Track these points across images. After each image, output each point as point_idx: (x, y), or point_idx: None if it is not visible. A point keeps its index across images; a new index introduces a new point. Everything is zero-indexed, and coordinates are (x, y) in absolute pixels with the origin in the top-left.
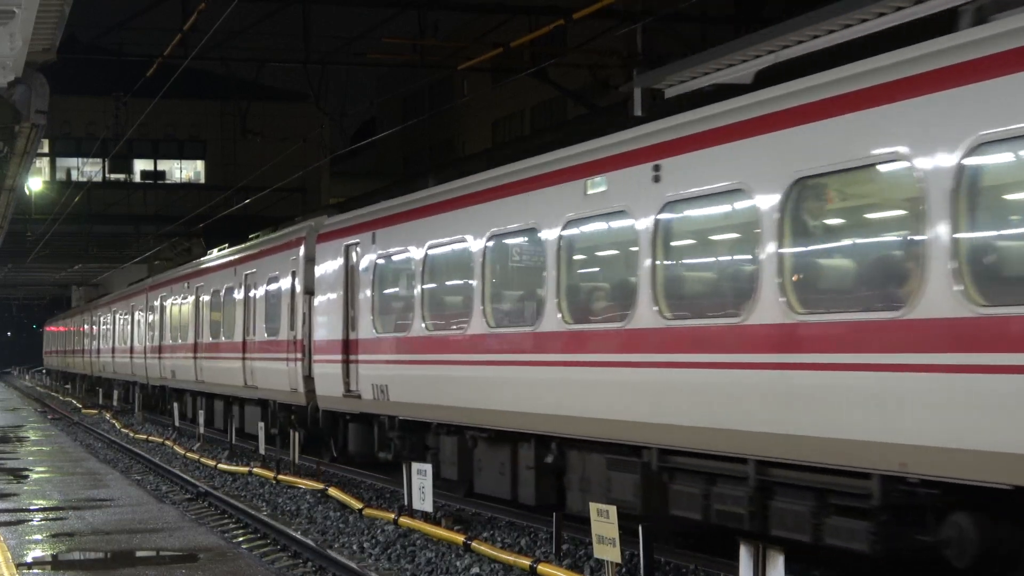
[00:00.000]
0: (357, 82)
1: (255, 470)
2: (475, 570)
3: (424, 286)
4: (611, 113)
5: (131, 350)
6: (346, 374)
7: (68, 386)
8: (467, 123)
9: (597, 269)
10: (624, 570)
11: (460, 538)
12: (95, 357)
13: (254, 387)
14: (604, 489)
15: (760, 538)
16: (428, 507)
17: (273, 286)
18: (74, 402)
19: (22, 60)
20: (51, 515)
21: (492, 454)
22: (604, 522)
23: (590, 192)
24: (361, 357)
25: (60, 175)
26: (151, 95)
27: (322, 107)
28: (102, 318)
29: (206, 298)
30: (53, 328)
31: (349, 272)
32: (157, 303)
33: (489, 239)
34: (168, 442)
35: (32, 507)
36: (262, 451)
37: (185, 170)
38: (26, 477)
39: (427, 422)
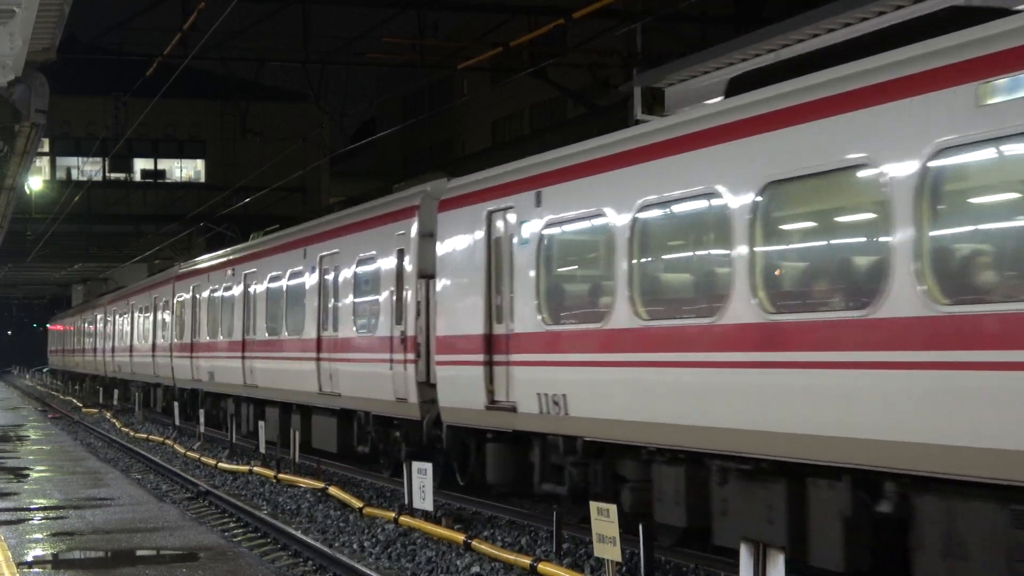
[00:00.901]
0: (357, 82)
1: (255, 469)
2: (476, 569)
3: (635, 260)
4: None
5: (153, 348)
6: (490, 379)
7: (77, 387)
8: (467, 123)
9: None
10: (624, 569)
11: (461, 537)
12: (109, 356)
13: (334, 394)
14: (1008, 559)
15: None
16: (428, 506)
17: (367, 269)
18: (74, 401)
19: (22, 59)
20: (51, 514)
21: (755, 494)
22: (604, 521)
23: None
24: (517, 357)
25: (60, 174)
26: (151, 95)
27: (322, 107)
28: (117, 313)
29: (259, 287)
30: (59, 326)
31: (492, 247)
32: (187, 295)
33: (761, 190)
34: (168, 441)
35: (32, 506)
36: (262, 450)
37: (185, 169)
38: (26, 476)
39: (627, 446)
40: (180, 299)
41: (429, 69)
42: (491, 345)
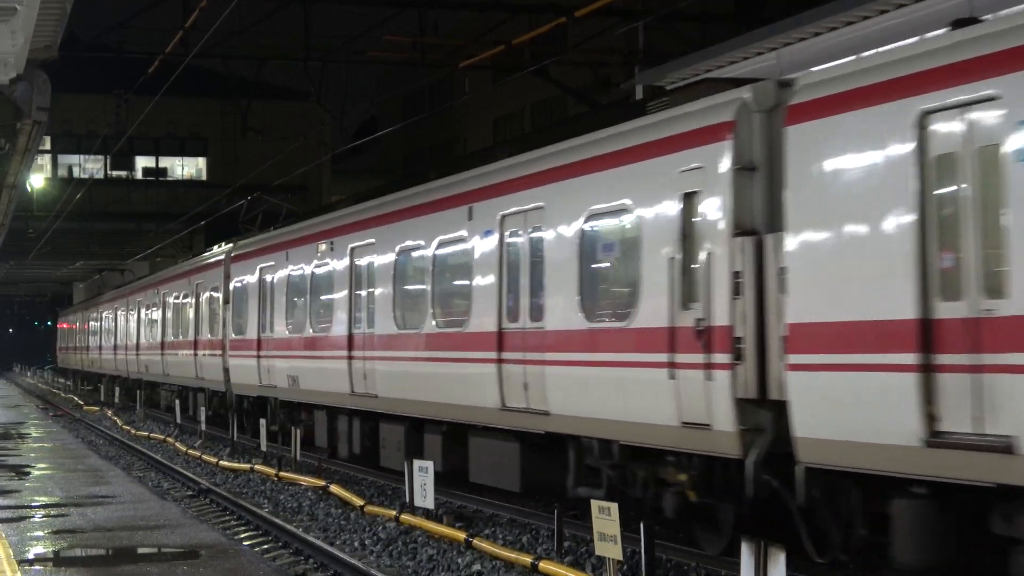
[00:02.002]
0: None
1: (256, 467)
2: (477, 567)
3: None
4: None
5: (195, 346)
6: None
7: (91, 389)
8: (468, 122)
9: None
10: (625, 567)
11: (462, 535)
12: (132, 355)
13: (532, 411)
14: None
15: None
16: (430, 504)
17: (607, 226)
18: (75, 399)
19: (24, 57)
20: (53, 512)
21: None
22: (605, 519)
23: None
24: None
25: (62, 172)
26: (152, 93)
27: (323, 105)
28: (144, 305)
29: (380, 263)
30: (71, 321)
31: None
32: (250, 277)
33: None
34: (169, 439)
35: (34, 504)
36: (263, 448)
37: (187, 167)
38: (28, 474)
39: None
40: (239, 284)
41: (430, 68)
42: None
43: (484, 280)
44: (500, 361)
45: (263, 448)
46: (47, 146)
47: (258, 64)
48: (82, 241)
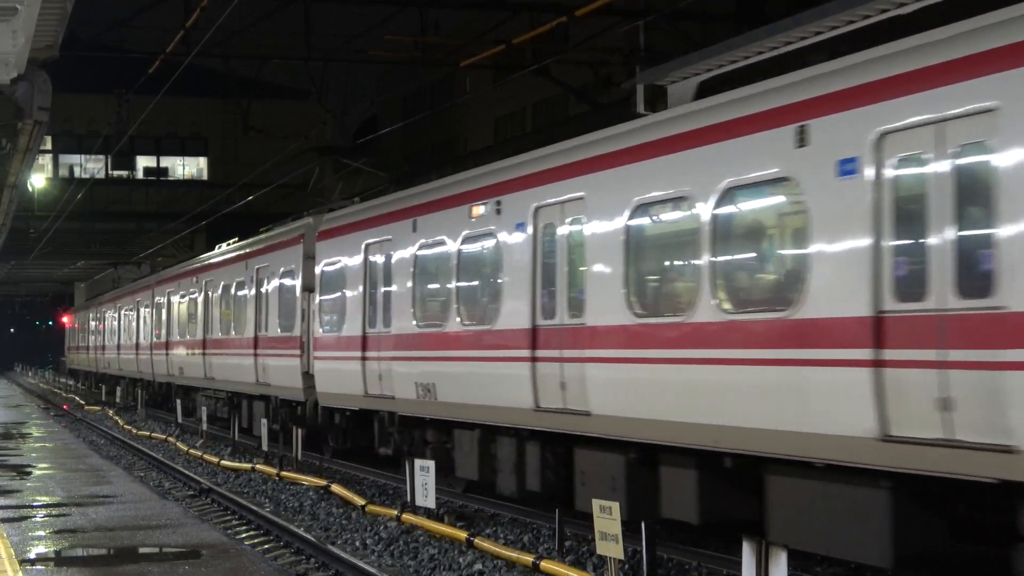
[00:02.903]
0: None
1: (258, 467)
2: (478, 567)
3: None
4: None
5: (256, 343)
6: None
7: (106, 393)
8: (469, 121)
9: None
10: (627, 567)
11: (463, 535)
12: (163, 355)
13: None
14: None
15: (763, 536)
16: (431, 503)
17: None
18: (77, 399)
19: (24, 57)
20: (54, 511)
21: None
22: (607, 519)
23: None
24: None
25: (62, 172)
26: (153, 92)
27: (324, 104)
28: (181, 296)
29: (627, 222)
30: (82, 318)
31: None
32: (350, 258)
33: None
34: (171, 439)
35: (35, 503)
36: (265, 448)
37: (188, 167)
38: (29, 473)
39: None
40: (330, 266)
41: (431, 67)
42: None
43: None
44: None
45: (264, 448)
46: (48, 146)
47: (259, 63)
48: (83, 241)
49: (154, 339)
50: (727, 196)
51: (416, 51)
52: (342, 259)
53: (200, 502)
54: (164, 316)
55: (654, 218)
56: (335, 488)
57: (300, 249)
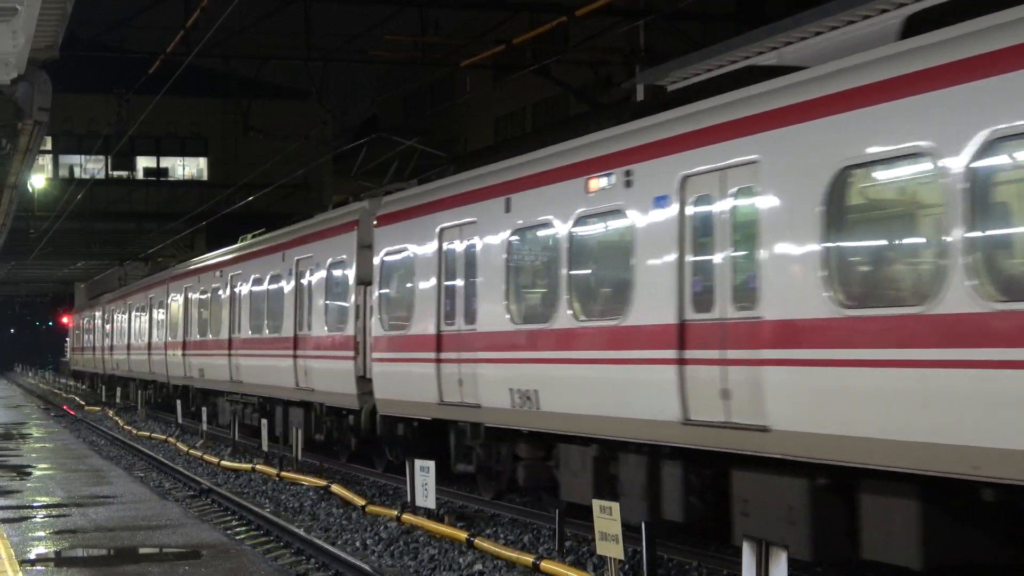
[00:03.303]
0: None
1: (258, 467)
2: (478, 567)
3: None
4: None
5: (295, 343)
6: None
7: (106, 394)
8: (469, 121)
9: None
10: (627, 567)
11: (463, 535)
12: (179, 355)
13: None
14: None
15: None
16: (431, 504)
17: None
18: (77, 399)
19: (24, 57)
20: (54, 512)
21: None
22: (607, 519)
23: None
24: None
25: (62, 172)
26: (153, 92)
27: (324, 104)
28: (201, 293)
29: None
30: (87, 317)
31: None
32: (420, 245)
33: None
34: (171, 440)
35: (35, 504)
36: (265, 448)
37: (187, 167)
38: (29, 474)
39: None
40: (393, 256)
41: (431, 67)
42: None
43: None
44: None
45: (264, 448)
46: (48, 146)
47: (259, 64)
48: (83, 241)
49: (169, 339)
50: None
51: (416, 51)
52: (409, 247)
53: (200, 502)
54: (182, 314)
55: (873, 183)
56: (335, 488)
57: (354, 237)
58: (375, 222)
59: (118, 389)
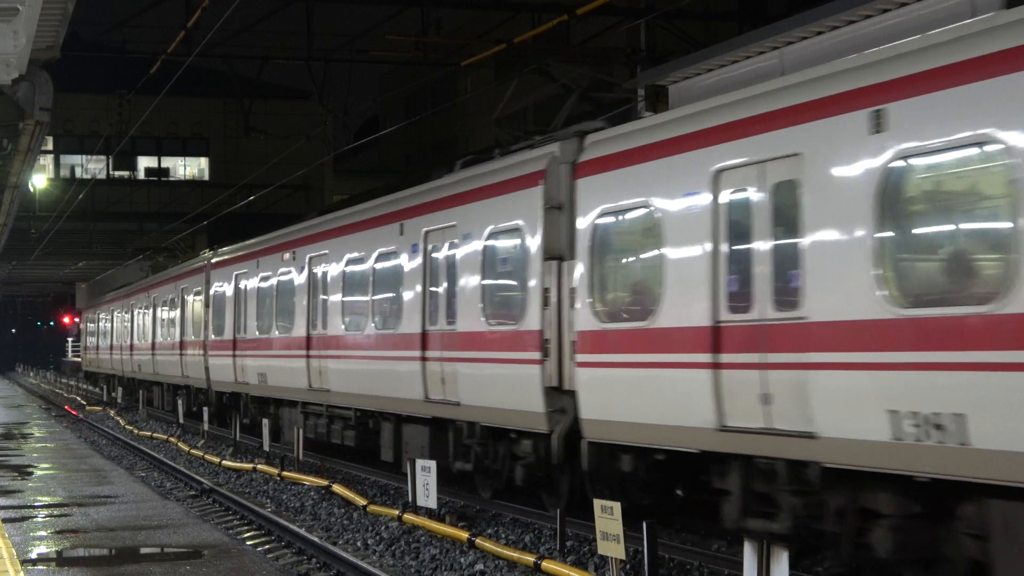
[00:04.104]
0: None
1: (259, 467)
2: (480, 567)
3: None
4: None
5: (423, 343)
6: None
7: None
8: (470, 121)
9: None
10: (628, 566)
11: (464, 535)
12: (228, 357)
13: None
14: None
15: (765, 536)
16: (432, 503)
17: None
18: (78, 399)
19: (26, 57)
20: (55, 512)
21: None
22: (608, 519)
23: None
24: None
25: (64, 172)
26: (154, 92)
27: (325, 104)
28: (265, 282)
29: None
30: (103, 314)
31: None
32: (654, 205)
33: None
34: (172, 439)
35: (36, 503)
36: (266, 448)
37: (189, 167)
38: (31, 474)
39: None
40: (614, 217)
41: (432, 66)
42: None
43: None
44: None
45: (266, 448)
46: (49, 146)
47: (260, 63)
48: (84, 241)
49: (213, 336)
50: None
51: (417, 51)
52: (655, 201)
53: (202, 502)
54: (230, 307)
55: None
56: (336, 488)
57: (538, 195)
58: (575, 171)
59: (141, 394)
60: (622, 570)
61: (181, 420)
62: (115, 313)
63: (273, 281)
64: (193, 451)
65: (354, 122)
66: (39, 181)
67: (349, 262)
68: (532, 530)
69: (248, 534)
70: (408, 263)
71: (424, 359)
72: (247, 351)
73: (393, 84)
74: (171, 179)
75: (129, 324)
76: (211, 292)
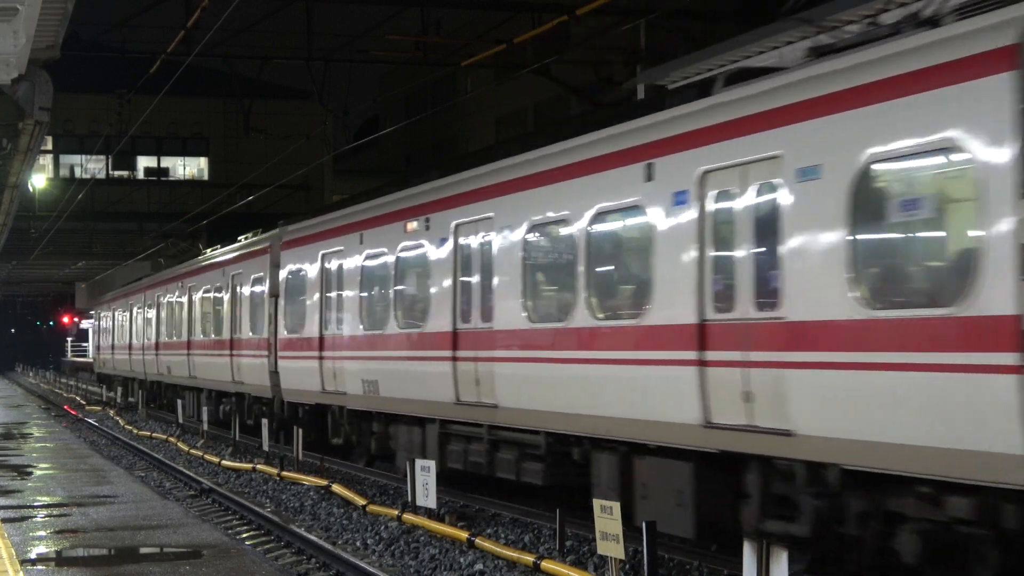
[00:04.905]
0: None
1: (259, 467)
2: (479, 566)
3: None
4: None
5: (701, 340)
6: None
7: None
8: (470, 121)
9: None
10: (628, 567)
11: (464, 535)
12: (314, 360)
13: None
14: None
15: (764, 535)
16: (432, 503)
17: None
18: (78, 399)
19: (25, 57)
20: (55, 511)
21: None
22: (607, 518)
23: None
24: None
25: (63, 172)
26: (154, 92)
27: (325, 104)
28: (374, 260)
29: None
30: (118, 308)
31: None
32: None
33: None
34: (172, 439)
35: (36, 503)
36: (266, 448)
37: (188, 167)
38: (30, 473)
39: None
40: None
41: (432, 66)
42: None
43: None
44: None
45: (265, 448)
46: (49, 146)
47: (260, 63)
48: (84, 241)
49: (283, 333)
50: None
51: (417, 51)
52: None
53: (201, 502)
54: (314, 296)
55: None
56: (336, 488)
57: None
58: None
59: (179, 403)
60: (621, 570)
61: (180, 420)
62: (135, 308)
63: (388, 259)
64: (192, 451)
65: (354, 122)
66: (39, 181)
67: (536, 227)
68: (531, 530)
69: (247, 534)
70: (666, 220)
71: (704, 363)
72: (344, 352)
73: (393, 84)
74: (171, 179)
75: (155, 319)
76: (281, 278)
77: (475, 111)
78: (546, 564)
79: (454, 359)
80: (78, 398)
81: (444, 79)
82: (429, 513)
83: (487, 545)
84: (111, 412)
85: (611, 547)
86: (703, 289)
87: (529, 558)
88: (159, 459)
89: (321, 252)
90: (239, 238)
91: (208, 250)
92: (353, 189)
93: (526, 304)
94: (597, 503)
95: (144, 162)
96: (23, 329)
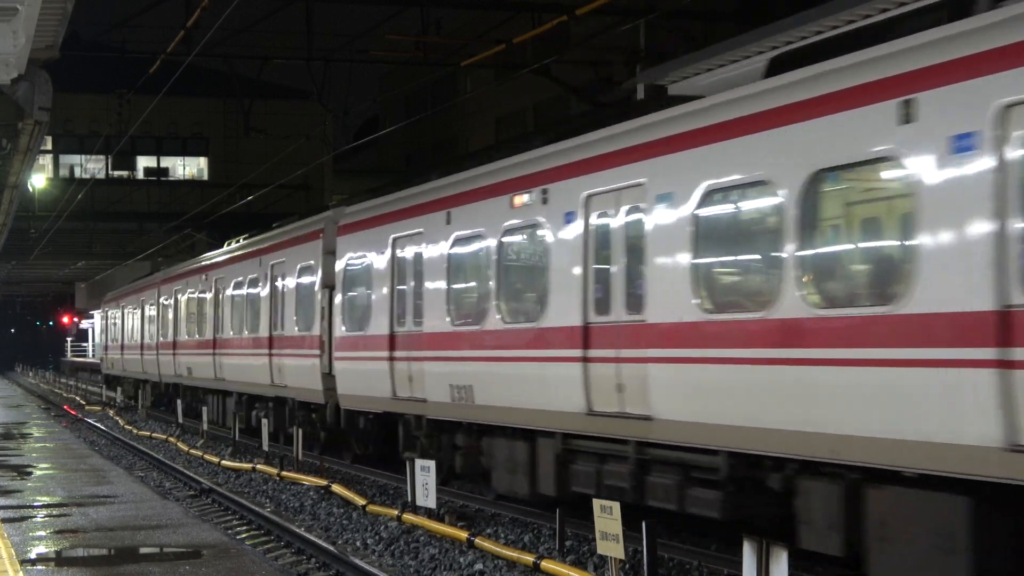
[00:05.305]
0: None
1: (258, 467)
2: (479, 566)
3: None
4: None
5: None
6: None
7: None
8: (470, 121)
9: None
10: (628, 566)
11: (464, 534)
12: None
13: None
14: None
15: (764, 535)
16: (431, 503)
17: None
18: (77, 399)
19: (25, 57)
20: (55, 511)
21: None
22: (607, 518)
23: None
24: None
25: (63, 172)
26: (154, 92)
27: (325, 104)
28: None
29: None
30: (128, 304)
31: None
32: None
33: None
34: (171, 439)
35: (36, 503)
36: (265, 448)
37: (188, 167)
38: (30, 473)
39: None
40: None
41: (432, 66)
42: None
43: None
44: None
45: (265, 448)
46: (48, 146)
47: (260, 63)
48: (84, 241)
49: (342, 330)
50: None
51: (417, 51)
52: None
53: (201, 502)
54: (382, 287)
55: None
56: (336, 488)
57: None
58: None
59: (204, 411)
60: (621, 570)
61: (180, 420)
62: (147, 304)
63: (487, 242)
64: (192, 451)
65: (354, 122)
66: (38, 181)
67: (705, 199)
68: (531, 530)
69: (247, 534)
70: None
71: (1009, 364)
72: (424, 352)
73: (393, 84)
74: (171, 179)
75: (172, 316)
76: (338, 267)
77: (475, 111)
78: (546, 564)
79: (584, 359)
80: (78, 398)
81: (444, 79)
82: (429, 513)
83: (487, 545)
84: (111, 412)
85: (611, 547)
86: None
87: (529, 558)
88: (159, 459)
89: (392, 236)
90: (229, 241)
91: (235, 241)
92: (353, 189)
93: (698, 290)
94: (597, 503)
95: (144, 162)
96: (23, 329)
